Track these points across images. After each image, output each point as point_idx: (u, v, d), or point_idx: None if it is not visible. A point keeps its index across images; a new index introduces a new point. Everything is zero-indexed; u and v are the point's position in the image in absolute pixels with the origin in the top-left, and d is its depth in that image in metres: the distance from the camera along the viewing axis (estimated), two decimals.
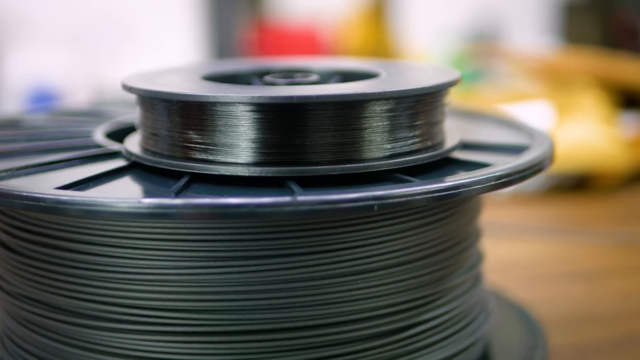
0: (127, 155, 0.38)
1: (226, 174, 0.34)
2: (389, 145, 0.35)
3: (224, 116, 0.34)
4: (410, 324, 0.36)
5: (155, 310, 0.34)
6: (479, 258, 0.41)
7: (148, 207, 0.31)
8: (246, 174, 0.34)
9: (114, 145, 0.40)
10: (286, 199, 0.31)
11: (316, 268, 0.34)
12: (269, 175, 0.34)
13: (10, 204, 0.33)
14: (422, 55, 1.83)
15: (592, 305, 0.52)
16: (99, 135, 0.42)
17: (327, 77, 0.42)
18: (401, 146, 0.36)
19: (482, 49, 1.45)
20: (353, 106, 0.34)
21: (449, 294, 0.38)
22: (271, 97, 0.34)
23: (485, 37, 2.11)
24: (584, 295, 0.54)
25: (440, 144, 0.38)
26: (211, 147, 0.35)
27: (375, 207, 0.31)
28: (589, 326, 0.49)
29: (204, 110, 0.34)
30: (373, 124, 0.35)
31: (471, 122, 0.48)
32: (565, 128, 0.80)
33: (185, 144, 0.35)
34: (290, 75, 0.40)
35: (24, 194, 0.32)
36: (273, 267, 0.34)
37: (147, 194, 0.34)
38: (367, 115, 0.35)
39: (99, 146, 0.40)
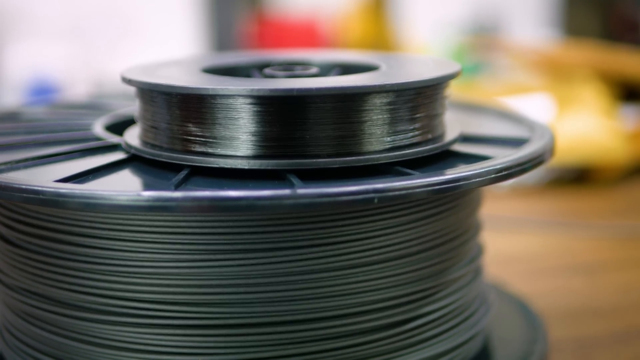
0: (127, 148, 0.38)
1: (226, 166, 0.34)
2: (389, 138, 0.35)
3: (224, 109, 0.34)
4: (411, 317, 0.36)
5: (155, 303, 0.34)
6: (479, 251, 0.41)
7: (147, 200, 0.31)
8: (246, 167, 0.34)
9: (113, 138, 0.40)
10: (286, 191, 0.30)
11: (316, 261, 0.34)
12: (269, 168, 0.34)
13: (10, 197, 0.33)
14: (422, 48, 1.83)
15: (592, 298, 0.52)
16: (98, 128, 0.42)
17: (327, 69, 0.42)
18: (401, 139, 0.36)
19: (482, 41, 1.45)
20: (353, 99, 0.34)
21: (449, 287, 0.38)
22: (271, 90, 0.33)
23: (485, 29, 2.11)
24: (584, 289, 0.54)
25: (441, 136, 0.38)
26: (211, 140, 0.35)
27: (376, 200, 0.31)
28: (589, 319, 0.49)
29: (203, 103, 0.34)
30: (373, 117, 0.35)
31: (471, 115, 0.48)
32: (565, 121, 0.79)
33: (185, 137, 0.35)
34: (290, 68, 0.40)
35: (24, 186, 0.32)
36: (273, 260, 0.34)
37: (147, 186, 0.34)
38: (367, 108, 0.35)
39: (98, 139, 0.40)
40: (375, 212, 0.35)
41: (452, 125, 0.40)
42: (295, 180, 0.33)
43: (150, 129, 0.37)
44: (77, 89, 1.91)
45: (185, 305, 0.34)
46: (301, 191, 0.31)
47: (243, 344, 0.34)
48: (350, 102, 0.34)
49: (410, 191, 0.32)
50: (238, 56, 0.45)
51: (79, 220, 0.35)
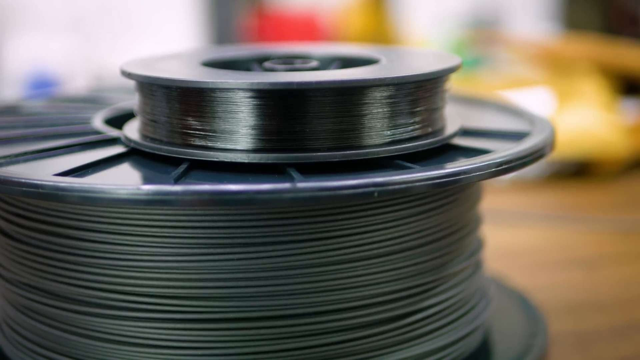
0: (126, 141, 0.38)
1: (225, 160, 0.34)
2: (389, 132, 0.35)
3: (224, 102, 0.34)
4: (411, 311, 0.36)
5: (155, 298, 0.34)
6: (479, 245, 0.41)
7: (147, 194, 0.31)
8: (245, 161, 0.34)
9: (113, 132, 0.40)
10: (286, 185, 0.30)
11: (316, 255, 0.34)
12: (269, 161, 0.34)
13: (9, 191, 0.33)
14: (422, 42, 1.83)
15: (592, 292, 0.52)
16: (97, 122, 0.42)
17: (327, 63, 0.42)
18: (401, 133, 0.36)
19: (482, 35, 1.45)
20: (353, 92, 0.34)
21: (450, 281, 0.38)
22: (271, 84, 0.33)
23: (486, 23, 2.11)
24: (584, 282, 0.54)
25: (441, 130, 0.38)
26: (210, 134, 0.34)
27: (375, 194, 0.31)
28: (589, 313, 0.49)
29: (203, 97, 0.34)
30: (373, 111, 0.35)
31: (472, 109, 0.48)
32: (565, 114, 0.79)
33: (185, 131, 0.35)
34: (289, 62, 0.40)
35: (23, 180, 0.32)
36: (272, 254, 0.34)
37: (146, 180, 0.34)
38: (367, 101, 0.34)
39: (98, 133, 0.40)
40: (375, 206, 0.34)
41: (453, 118, 0.40)
42: (295, 174, 0.33)
43: (149, 123, 0.37)
44: (77, 82, 1.91)
45: (185, 299, 0.34)
46: (301, 185, 0.30)
47: (243, 338, 0.34)
48: (350, 95, 0.34)
49: (410, 185, 0.32)
50: (238, 50, 0.45)
51: (78, 214, 0.35)
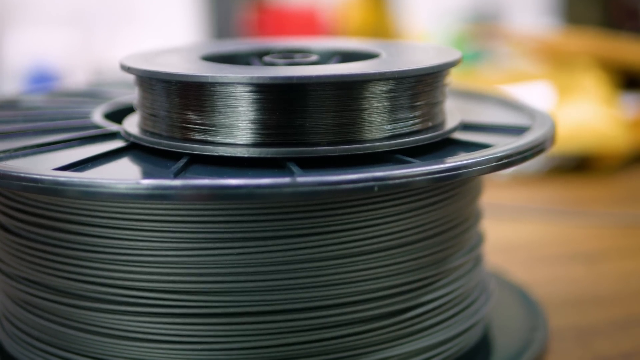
0: (126, 136, 0.38)
1: (225, 155, 0.34)
2: (389, 126, 0.35)
3: (223, 97, 0.34)
4: (411, 305, 0.36)
5: (154, 292, 0.34)
6: (479, 239, 0.41)
7: (147, 188, 0.31)
8: (245, 155, 0.34)
9: (112, 126, 0.40)
10: (286, 180, 0.30)
11: (316, 250, 0.34)
12: (269, 156, 0.34)
13: (8, 185, 0.32)
14: (423, 36, 1.82)
15: (592, 286, 0.52)
16: (97, 116, 0.42)
17: (327, 57, 0.42)
18: (401, 127, 0.36)
19: (482, 29, 1.44)
20: (353, 87, 0.34)
21: (450, 275, 0.38)
22: (270, 78, 0.33)
23: (486, 17, 2.11)
24: (584, 277, 0.54)
25: (441, 124, 0.38)
26: (210, 128, 0.34)
27: (376, 188, 0.31)
28: (589, 307, 0.49)
29: (203, 91, 0.34)
30: (373, 105, 0.35)
31: (472, 103, 0.48)
32: (566, 109, 0.79)
33: (184, 125, 0.35)
34: (289, 56, 0.40)
35: (22, 175, 0.32)
36: (272, 248, 0.34)
37: (146, 175, 0.34)
38: (367, 95, 0.34)
39: (97, 127, 0.40)
40: (375, 201, 0.34)
41: (453, 113, 0.40)
42: (295, 168, 0.33)
43: (149, 117, 0.37)
44: (76, 76, 1.91)
45: (184, 293, 0.34)
46: (301, 179, 0.30)
47: (242, 333, 0.34)
48: (350, 89, 0.34)
49: (410, 179, 0.32)
50: (238, 44, 0.45)
51: (78, 208, 0.35)
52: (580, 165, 0.79)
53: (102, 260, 0.35)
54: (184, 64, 0.38)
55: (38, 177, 0.32)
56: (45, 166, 0.34)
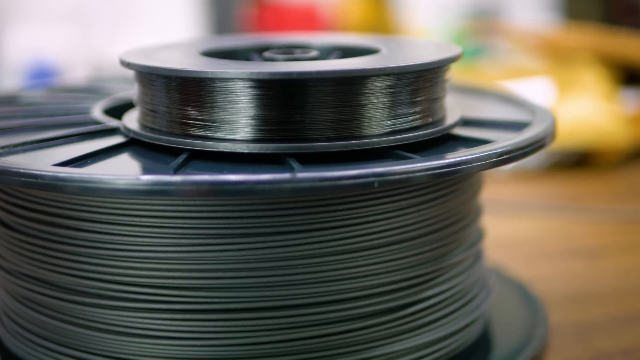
0: (126, 131, 0.38)
1: (225, 150, 0.34)
2: (389, 122, 0.35)
3: (223, 92, 0.34)
4: (411, 301, 0.36)
5: (154, 288, 0.34)
6: (479, 235, 0.41)
7: (146, 184, 0.30)
8: (245, 151, 0.34)
9: (112, 122, 0.40)
10: (285, 175, 0.30)
11: (316, 245, 0.34)
12: (268, 152, 0.34)
13: (8, 181, 0.32)
14: (423, 32, 1.82)
15: (593, 282, 0.52)
16: (97, 112, 0.42)
17: (327, 53, 0.42)
18: (402, 123, 0.36)
19: (482, 25, 1.44)
20: (353, 82, 0.34)
21: (450, 271, 0.38)
22: (270, 73, 0.33)
23: (486, 13, 2.11)
24: (584, 273, 0.54)
25: (441, 120, 0.38)
26: (210, 124, 0.34)
27: (376, 184, 0.31)
28: (589, 303, 0.48)
29: (202, 87, 0.34)
30: (373, 100, 0.35)
31: (472, 99, 0.47)
32: (566, 104, 0.79)
33: (184, 121, 0.35)
34: (289, 51, 0.40)
35: (22, 170, 0.32)
36: (272, 244, 0.34)
37: (146, 170, 0.34)
38: (367, 91, 0.34)
39: (97, 123, 0.40)
40: (375, 196, 0.34)
41: (453, 109, 0.40)
42: (294, 164, 0.32)
43: (149, 113, 0.37)
44: (76, 72, 1.91)
45: (184, 289, 0.34)
46: (301, 175, 0.30)
47: (242, 329, 0.34)
48: (350, 85, 0.34)
49: (410, 175, 0.32)
50: (237, 39, 0.45)
51: (77, 204, 0.35)
52: (581, 161, 0.79)
53: (101, 256, 0.35)
54: (184, 60, 0.38)
55: (38, 172, 0.32)
56: (45, 162, 0.34)
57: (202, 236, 0.33)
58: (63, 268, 0.35)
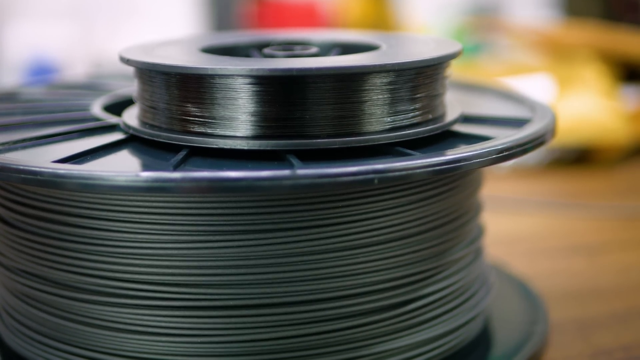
0: (125, 128, 0.38)
1: (225, 147, 0.34)
2: (389, 119, 0.35)
3: (223, 89, 0.34)
4: (411, 298, 0.36)
5: (154, 285, 0.34)
6: (479, 232, 0.41)
7: (146, 181, 0.30)
8: (245, 148, 0.34)
9: (112, 119, 0.40)
10: (285, 172, 0.30)
11: (316, 242, 0.34)
12: (268, 148, 0.34)
13: (8, 178, 0.32)
14: (423, 29, 1.82)
15: (593, 279, 0.52)
16: (96, 109, 0.42)
17: (326, 49, 0.41)
18: (402, 119, 0.36)
19: (482, 22, 1.44)
20: (353, 79, 0.34)
21: (450, 268, 0.38)
22: (270, 70, 0.33)
23: (486, 10, 2.11)
24: (584, 269, 0.54)
25: (441, 117, 0.38)
26: (210, 121, 0.34)
27: (376, 181, 0.31)
28: (589, 300, 0.48)
29: (202, 83, 0.34)
30: (373, 97, 0.35)
31: (472, 95, 0.47)
32: (566, 101, 0.79)
33: (184, 117, 0.35)
34: (289, 48, 0.40)
35: (21, 167, 0.32)
36: (272, 241, 0.33)
37: (145, 167, 0.34)
38: (367, 88, 0.34)
39: (96, 119, 0.40)
40: (375, 193, 0.34)
41: (453, 105, 0.40)
42: (294, 160, 0.32)
43: (148, 109, 0.37)
44: (76, 69, 1.91)
45: (184, 286, 0.34)
46: (301, 172, 0.30)
47: (242, 325, 0.34)
48: (350, 82, 0.34)
49: (410, 172, 0.32)
50: (237, 36, 0.45)
51: (77, 201, 0.35)
52: (581, 158, 0.79)
53: (101, 252, 0.35)
54: (184, 56, 0.38)
55: (37, 169, 0.32)
56: (44, 158, 0.34)
57: (202, 233, 0.33)
58: (63, 265, 0.35)
